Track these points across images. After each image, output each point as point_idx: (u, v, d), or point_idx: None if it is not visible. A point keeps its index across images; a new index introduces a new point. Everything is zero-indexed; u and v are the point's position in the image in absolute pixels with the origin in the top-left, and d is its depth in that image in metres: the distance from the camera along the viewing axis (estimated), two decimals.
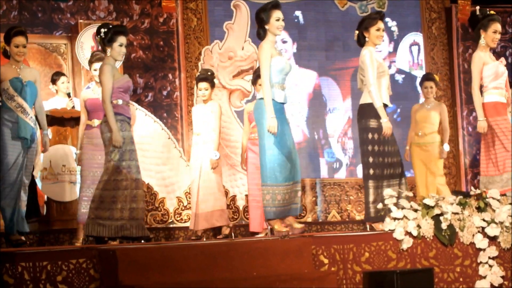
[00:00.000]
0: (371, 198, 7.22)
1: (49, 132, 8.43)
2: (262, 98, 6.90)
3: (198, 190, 8.83)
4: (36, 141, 7.51)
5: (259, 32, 7.07)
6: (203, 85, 8.95)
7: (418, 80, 11.30)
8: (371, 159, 7.23)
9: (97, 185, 7.23)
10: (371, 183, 7.23)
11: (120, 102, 7.26)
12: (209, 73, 9.09)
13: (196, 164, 8.90)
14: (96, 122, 8.14)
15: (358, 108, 7.38)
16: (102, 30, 7.30)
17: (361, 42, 7.41)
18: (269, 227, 7.81)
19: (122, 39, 7.28)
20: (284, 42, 11.60)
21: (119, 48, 7.28)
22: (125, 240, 7.09)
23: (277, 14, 6.98)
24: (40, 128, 7.70)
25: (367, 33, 7.35)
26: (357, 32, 7.42)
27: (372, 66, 7.19)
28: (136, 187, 7.15)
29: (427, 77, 9.86)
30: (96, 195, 7.15)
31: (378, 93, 7.18)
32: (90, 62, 8.41)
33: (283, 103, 6.98)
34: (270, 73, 6.88)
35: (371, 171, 7.23)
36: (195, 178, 8.89)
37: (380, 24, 7.36)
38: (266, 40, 7.00)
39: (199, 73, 9.26)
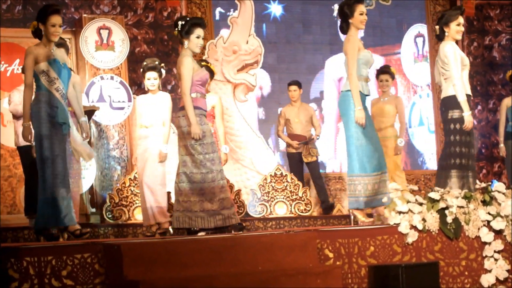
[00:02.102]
0: (455, 186, 7.21)
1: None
2: (348, 90, 7.10)
3: (142, 184, 8.51)
4: (72, 127, 7.12)
5: (342, 26, 7.29)
6: (152, 74, 8.59)
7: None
8: (458, 149, 7.28)
9: (177, 178, 7.20)
10: (455, 172, 7.28)
11: (198, 95, 7.22)
12: (156, 62, 8.71)
13: (143, 158, 8.55)
14: None
15: (441, 100, 7.47)
16: (180, 22, 7.26)
17: (440, 36, 7.48)
18: (352, 217, 7.88)
19: (199, 31, 7.25)
20: None
21: (196, 40, 7.24)
22: (219, 230, 7.17)
23: (361, 8, 7.19)
24: (75, 115, 7.40)
25: (447, 28, 7.41)
26: (437, 27, 7.49)
27: (455, 61, 7.27)
28: (222, 177, 7.20)
29: (382, 70, 9.61)
30: (183, 188, 7.17)
31: (462, 87, 7.26)
32: None
33: (367, 95, 7.20)
34: (357, 66, 7.09)
35: (458, 161, 7.28)
36: (139, 172, 8.59)
37: (461, 19, 7.44)
38: (351, 34, 7.20)
39: (146, 62, 8.78)
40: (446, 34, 7.40)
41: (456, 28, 7.39)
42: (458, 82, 7.22)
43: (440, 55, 7.36)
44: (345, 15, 7.20)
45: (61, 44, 7.82)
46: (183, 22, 7.25)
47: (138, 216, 9.23)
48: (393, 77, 9.60)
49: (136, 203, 9.24)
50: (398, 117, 9.52)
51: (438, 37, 7.51)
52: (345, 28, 7.26)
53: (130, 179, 9.32)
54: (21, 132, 6.93)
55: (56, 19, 6.93)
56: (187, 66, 7.15)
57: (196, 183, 7.11)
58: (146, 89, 8.73)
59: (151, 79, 8.60)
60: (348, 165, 7.21)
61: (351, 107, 7.06)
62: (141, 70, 8.77)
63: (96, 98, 9.70)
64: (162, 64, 8.76)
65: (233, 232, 7.28)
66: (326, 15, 11.78)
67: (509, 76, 10.18)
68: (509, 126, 9.80)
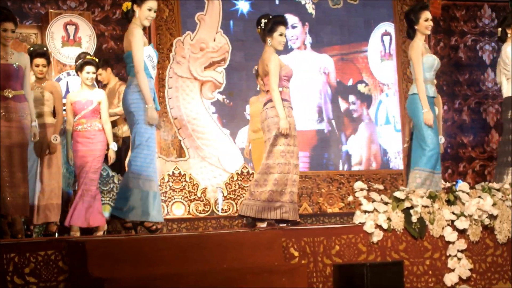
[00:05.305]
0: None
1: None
2: (414, 94, 7.46)
3: (35, 180, 8.03)
4: None
5: (408, 32, 7.68)
6: (41, 61, 8.18)
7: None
8: None
9: (263, 170, 7.19)
10: None
11: (283, 89, 7.25)
12: (45, 48, 8.33)
13: (36, 152, 8.10)
14: (11, 92, 7.10)
15: (503, 100, 7.83)
16: (263, 20, 7.30)
17: (502, 38, 7.87)
18: None
19: (282, 29, 7.30)
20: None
21: (279, 37, 7.29)
22: (281, 223, 7.23)
23: (426, 14, 7.56)
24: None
25: (510, 30, 7.80)
26: (500, 29, 7.87)
27: None
28: (296, 172, 7.26)
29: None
30: (270, 179, 7.17)
31: None
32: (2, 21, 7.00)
33: (433, 97, 7.55)
34: (423, 70, 7.43)
35: None
36: (34, 167, 8.03)
37: None
38: (416, 39, 7.56)
39: (33, 47, 8.31)
40: (509, 35, 7.79)
41: None
42: None
43: (502, 56, 7.75)
44: (411, 21, 7.57)
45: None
46: (266, 20, 7.32)
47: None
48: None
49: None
50: None
51: (500, 39, 7.90)
52: (411, 34, 7.62)
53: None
54: None
55: (153, 4, 6.87)
56: (275, 63, 7.24)
57: (273, 174, 7.17)
58: (34, 77, 8.26)
59: (40, 66, 8.20)
60: (414, 160, 7.52)
61: (419, 108, 7.41)
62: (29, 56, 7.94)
63: (63, 94, 9.61)
64: (51, 51, 8.46)
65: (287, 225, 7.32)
66: (298, 13, 11.79)
67: None
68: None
